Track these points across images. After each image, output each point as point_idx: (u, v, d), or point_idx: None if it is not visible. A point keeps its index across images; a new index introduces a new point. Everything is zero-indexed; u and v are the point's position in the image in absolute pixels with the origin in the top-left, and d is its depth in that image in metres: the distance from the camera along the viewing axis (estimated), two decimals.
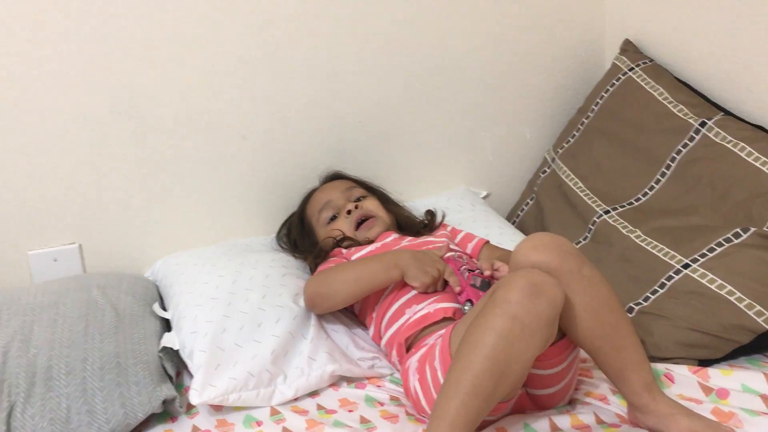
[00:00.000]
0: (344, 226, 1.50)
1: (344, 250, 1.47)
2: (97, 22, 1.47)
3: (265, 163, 1.67)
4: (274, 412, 1.24)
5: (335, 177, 1.65)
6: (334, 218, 1.53)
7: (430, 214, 1.62)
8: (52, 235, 1.57)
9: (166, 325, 1.42)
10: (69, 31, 1.45)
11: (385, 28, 1.67)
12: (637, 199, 1.55)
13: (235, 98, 1.60)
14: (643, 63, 1.68)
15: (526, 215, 1.81)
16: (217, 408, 1.24)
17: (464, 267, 1.29)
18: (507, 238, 1.60)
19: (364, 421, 1.19)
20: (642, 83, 1.65)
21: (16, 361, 1.21)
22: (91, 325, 1.29)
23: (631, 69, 1.69)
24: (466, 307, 1.24)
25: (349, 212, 1.51)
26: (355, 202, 1.53)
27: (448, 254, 1.35)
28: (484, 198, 1.86)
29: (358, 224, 1.50)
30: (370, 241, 1.49)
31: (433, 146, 1.80)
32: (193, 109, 1.58)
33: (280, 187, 1.69)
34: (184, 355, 1.30)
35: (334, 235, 1.50)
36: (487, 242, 1.50)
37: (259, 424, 1.21)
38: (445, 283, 1.29)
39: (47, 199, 1.54)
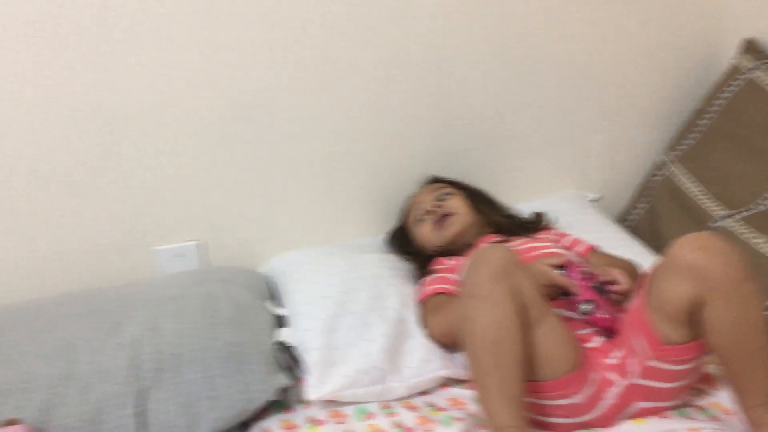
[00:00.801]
0: (426, 227, 1.52)
1: (445, 259, 1.48)
2: (221, 26, 1.53)
3: (375, 165, 1.70)
4: (385, 405, 1.27)
5: (431, 181, 1.67)
6: (422, 222, 1.55)
7: (537, 215, 1.61)
8: (175, 232, 1.66)
9: (278, 319, 1.47)
10: (194, 36, 1.52)
11: (496, 29, 1.67)
12: (758, 204, 1.49)
13: (347, 101, 1.65)
14: (766, 64, 1.61)
15: (640, 220, 1.76)
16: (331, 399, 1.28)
17: (582, 269, 1.27)
18: (621, 243, 1.57)
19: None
20: (766, 85, 1.58)
21: (146, 348, 1.29)
22: (213, 316, 1.35)
23: (754, 69, 1.62)
24: (584, 307, 1.22)
25: (428, 212, 1.52)
26: (440, 201, 1.54)
27: (567, 259, 1.31)
28: (594, 201, 1.82)
29: (439, 223, 1.51)
30: (470, 246, 1.49)
31: (541, 149, 1.79)
32: (308, 111, 1.63)
33: (390, 189, 1.72)
34: (299, 351, 1.35)
35: (422, 239, 1.52)
36: (595, 248, 1.48)
37: (371, 416, 1.24)
38: (560, 290, 1.27)
39: (172, 199, 1.63)
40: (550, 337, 1.11)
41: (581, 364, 1.15)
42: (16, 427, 1.14)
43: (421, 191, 1.63)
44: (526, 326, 1.09)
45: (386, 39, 1.62)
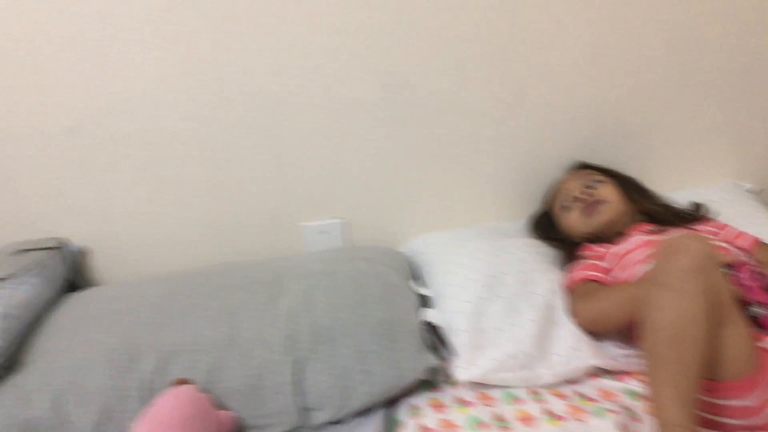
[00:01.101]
0: (573, 214, 1.48)
1: (594, 246, 1.45)
2: (370, 7, 1.56)
3: (519, 148, 1.69)
4: (533, 391, 1.26)
5: (579, 167, 1.63)
6: (570, 209, 1.52)
7: (695, 205, 1.54)
8: (321, 210, 1.72)
9: (422, 299, 1.50)
10: (344, 19, 1.55)
11: (662, 12, 1.60)
12: None
13: (494, 83, 1.63)
14: None
15: None
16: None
17: (752, 269, 1.21)
18: None
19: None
20: None
21: (302, 320, 1.35)
22: (364, 293, 1.39)
23: None
24: (755, 309, 1.16)
25: (576, 199, 1.48)
26: (589, 189, 1.50)
27: (737, 258, 1.25)
28: (753, 193, 1.72)
29: (588, 210, 1.47)
30: (620, 234, 1.45)
31: (696, 135, 1.70)
32: (453, 93, 1.63)
33: (533, 173, 1.70)
34: (446, 332, 1.36)
35: (568, 226, 1.49)
36: (761, 242, 1.40)
37: (519, 401, 1.24)
38: None
39: (319, 178, 1.68)
40: (736, 338, 1.07)
41: (759, 366, 1.10)
42: (188, 386, 1.22)
43: (568, 177, 1.60)
44: (713, 324, 1.05)
45: (543, 21, 1.59)
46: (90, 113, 1.57)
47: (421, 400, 1.28)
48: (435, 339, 1.40)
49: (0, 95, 1.53)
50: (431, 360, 1.30)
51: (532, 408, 1.22)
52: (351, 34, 1.57)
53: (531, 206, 1.70)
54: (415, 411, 1.25)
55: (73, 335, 1.35)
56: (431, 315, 1.41)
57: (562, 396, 1.25)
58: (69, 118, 1.57)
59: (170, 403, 1.16)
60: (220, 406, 1.26)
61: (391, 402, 1.29)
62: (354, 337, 1.31)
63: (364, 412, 1.28)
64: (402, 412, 1.26)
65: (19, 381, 1.26)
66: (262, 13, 1.52)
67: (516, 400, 1.24)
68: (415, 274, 1.60)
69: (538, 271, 1.43)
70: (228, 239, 1.70)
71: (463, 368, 1.28)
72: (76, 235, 1.66)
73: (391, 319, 1.35)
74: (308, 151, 1.66)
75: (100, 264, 1.69)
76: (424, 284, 1.55)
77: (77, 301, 1.48)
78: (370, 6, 1.55)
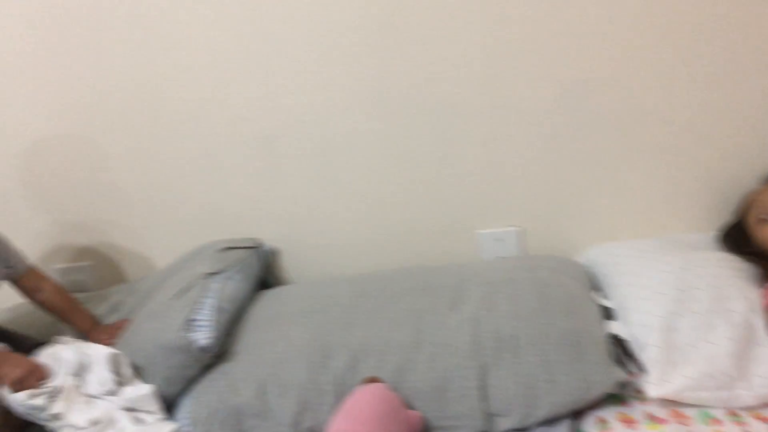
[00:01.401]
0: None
1: None
2: (554, 13, 1.55)
3: (706, 155, 1.61)
4: (732, 413, 1.21)
5: None
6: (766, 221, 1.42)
7: None
8: (496, 217, 1.74)
9: (604, 311, 1.47)
10: (521, 27, 1.56)
11: None
12: None
13: (679, 90, 1.57)
14: None
15: None
16: None
17: None
18: None
19: None
20: None
21: (485, 326, 1.37)
22: (547, 302, 1.40)
23: None
24: None
25: None
26: None
27: None
28: None
29: None
30: None
31: None
32: (635, 101, 1.59)
33: (722, 182, 1.62)
34: (633, 346, 1.33)
35: (765, 240, 1.39)
36: None
37: (717, 422, 1.19)
38: None
39: (495, 186, 1.70)
40: None
41: None
42: (379, 384, 1.29)
43: (764, 188, 1.51)
44: None
45: (736, 18, 1.51)
46: (283, 124, 1.69)
47: (609, 413, 1.26)
48: (620, 352, 1.37)
49: (212, 107, 1.68)
50: (620, 374, 1.28)
51: (732, 430, 1.16)
52: (530, 41, 1.58)
53: (719, 218, 1.62)
54: (603, 425, 1.24)
55: (271, 330, 1.46)
56: (616, 327, 1.39)
57: (765, 420, 1.18)
58: (265, 129, 1.70)
59: (366, 400, 1.22)
60: (408, 406, 1.31)
61: (576, 413, 1.29)
62: (539, 346, 1.32)
63: (549, 421, 1.28)
64: (589, 425, 1.25)
65: (227, 369, 1.39)
66: (440, 23, 1.57)
67: (714, 421, 1.20)
68: (593, 284, 1.57)
69: (733, 287, 1.36)
70: (406, 244, 1.77)
71: (655, 384, 1.25)
72: (268, 237, 1.79)
73: (576, 329, 1.34)
74: (484, 158, 1.69)
75: (288, 264, 1.81)
76: (604, 295, 1.52)
77: (271, 297, 1.60)
78: (548, 13, 1.55)
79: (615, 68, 1.58)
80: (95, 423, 1.28)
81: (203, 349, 1.36)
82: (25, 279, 1.50)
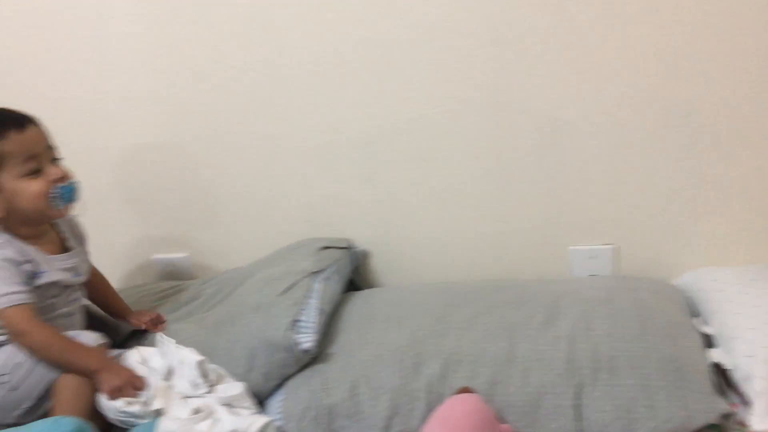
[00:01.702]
0: None
1: None
2: (646, 34, 1.53)
3: None
4: None
5: None
6: None
7: None
8: (591, 234, 1.71)
9: (704, 338, 1.43)
10: (626, 44, 1.55)
11: None
12: None
13: None
14: None
15: None
16: None
17: None
18: None
19: None
20: None
21: (581, 345, 1.35)
22: (647, 326, 1.37)
23: None
24: None
25: None
26: None
27: None
28: None
29: None
30: None
31: None
32: (740, 122, 1.55)
33: None
34: (736, 377, 1.29)
35: None
36: None
37: None
38: None
39: (592, 202, 1.68)
40: None
41: None
42: (474, 395, 1.29)
43: None
44: None
45: None
46: (383, 129, 1.71)
47: None
48: (721, 381, 1.34)
49: (313, 109, 1.72)
50: (723, 405, 1.25)
51: None
52: (637, 61, 1.56)
53: None
54: None
55: (364, 332, 1.48)
56: (718, 356, 1.35)
57: None
58: (365, 133, 1.72)
59: (462, 410, 1.23)
60: (500, 419, 1.30)
61: None
62: (638, 369, 1.29)
63: None
64: None
65: (322, 369, 1.41)
66: (552, 38, 1.57)
67: None
68: (691, 310, 1.53)
69: None
70: (496, 255, 1.76)
71: (760, 417, 1.21)
72: (358, 239, 1.81)
73: (678, 356, 1.31)
74: (583, 174, 1.67)
75: (376, 267, 1.83)
76: (703, 321, 1.48)
77: (362, 300, 1.62)
78: (655, 35, 1.53)
79: (723, 90, 1.54)
80: (196, 412, 1.32)
81: (306, 352, 1.39)
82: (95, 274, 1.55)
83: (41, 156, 1.37)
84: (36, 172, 1.36)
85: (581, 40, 1.57)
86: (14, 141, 1.34)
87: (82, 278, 1.47)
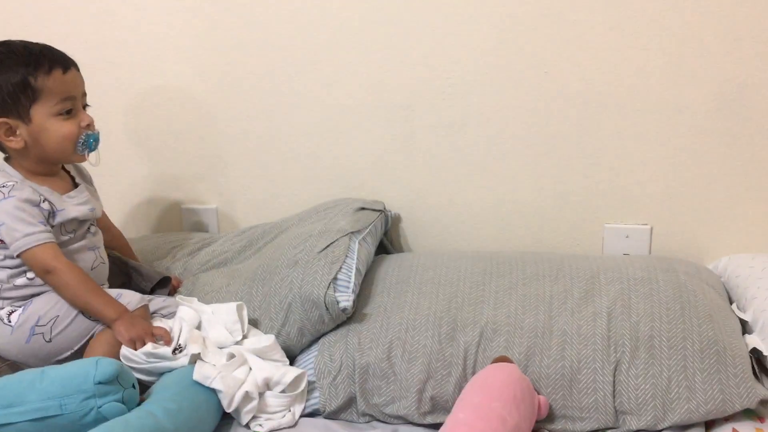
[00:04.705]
0: None
1: None
2: (715, 14, 1.51)
3: None
4: None
5: None
6: None
7: None
8: (627, 213, 1.70)
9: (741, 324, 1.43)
10: (689, 24, 1.53)
11: None
12: None
13: None
14: None
15: None
16: None
17: None
18: None
19: None
20: None
21: (620, 323, 1.35)
22: (686, 308, 1.36)
23: None
24: None
25: None
26: None
27: None
28: None
29: None
30: None
31: None
32: None
33: None
34: None
35: None
36: None
37: None
38: None
39: (630, 181, 1.66)
40: None
41: None
42: (512, 365, 1.28)
43: None
44: None
45: None
46: (422, 94, 1.69)
47: (746, 428, 1.23)
48: (757, 367, 1.34)
49: (351, 70, 1.70)
50: (763, 391, 1.25)
51: None
52: (690, 39, 1.54)
53: None
54: None
55: (399, 295, 1.47)
56: (755, 341, 1.35)
57: None
58: (404, 96, 1.70)
59: (501, 378, 1.22)
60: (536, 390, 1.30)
61: (709, 422, 1.26)
62: (677, 350, 1.29)
63: (680, 427, 1.26)
64: None
65: (357, 328, 1.41)
66: (594, 12, 1.55)
67: None
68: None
69: None
70: (529, 228, 1.75)
71: None
72: (390, 202, 1.79)
73: (717, 339, 1.31)
74: (623, 152, 1.65)
75: (407, 231, 1.82)
76: (738, 308, 1.48)
77: (395, 263, 1.61)
78: (705, 16, 1.51)
79: None
80: (231, 357, 1.31)
81: (344, 310, 1.38)
82: (103, 217, 1.54)
83: (77, 100, 1.36)
84: (68, 114, 1.34)
85: (632, 15, 1.55)
86: (56, 78, 1.33)
87: (98, 213, 1.46)
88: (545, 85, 1.63)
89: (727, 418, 1.26)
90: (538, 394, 1.29)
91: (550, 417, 1.30)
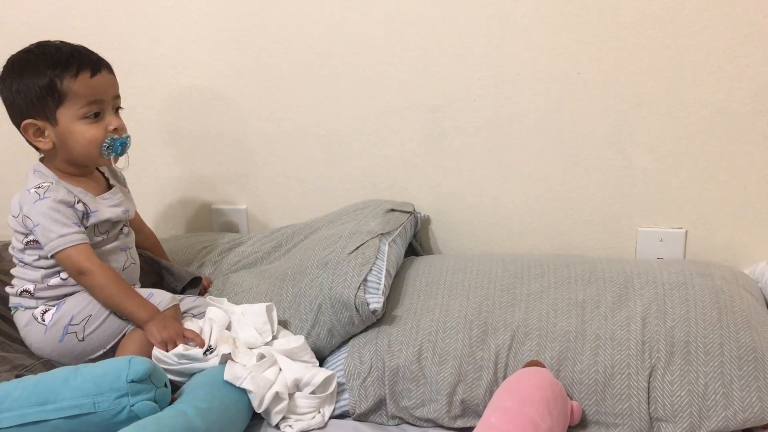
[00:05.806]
0: None
1: None
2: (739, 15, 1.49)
3: None
4: None
5: None
6: None
7: None
8: (661, 216, 1.67)
9: None
10: (717, 23, 1.51)
11: None
12: None
13: None
14: None
15: None
16: None
17: None
18: None
19: None
20: None
21: (655, 328, 1.33)
22: (723, 313, 1.34)
23: None
24: None
25: None
26: None
27: None
28: None
29: None
30: None
31: None
32: None
33: None
34: None
35: None
36: None
37: None
38: None
39: (665, 184, 1.64)
40: None
41: None
42: (544, 369, 1.26)
43: None
44: None
45: None
46: (453, 95, 1.68)
47: None
48: None
49: (382, 71, 1.69)
50: None
51: None
52: (729, 40, 1.51)
53: None
54: None
55: (429, 298, 1.46)
56: None
57: None
58: (434, 98, 1.69)
59: (533, 383, 1.21)
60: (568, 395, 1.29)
61: (746, 430, 1.23)
62: (714, 356, 1.27)
63: None
64: None
65: (387, 330, 1.40)
66: (631, 11, 1.53)
67: None
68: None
69: None
70: (561, 231, 1.73)
71: None
72: (420, 204, 1.78)
73: (755, 345, 1.28)
74: (658, 155, 1.63)
75: (436, 233, 1.81)
76: None
77: (425, 265, 1.60)
78: (741, 17, 1.49)
79: None
80: (261, 358, 1.31)
81: (374, 312, 1.37)
82: (135, 217, 1.54)
83: (105, 103, 1.36)
84: (96, 117, 1.34)
85: (669, 16, 1.53)
86: (83, 82, 1.33)
87: (131, 214, 1.47)
88: (578, 86, 1.61)
89: (765, 426, 1.23)
90: (571, 399, 1.28)
91: (583, 423, 1.28)
